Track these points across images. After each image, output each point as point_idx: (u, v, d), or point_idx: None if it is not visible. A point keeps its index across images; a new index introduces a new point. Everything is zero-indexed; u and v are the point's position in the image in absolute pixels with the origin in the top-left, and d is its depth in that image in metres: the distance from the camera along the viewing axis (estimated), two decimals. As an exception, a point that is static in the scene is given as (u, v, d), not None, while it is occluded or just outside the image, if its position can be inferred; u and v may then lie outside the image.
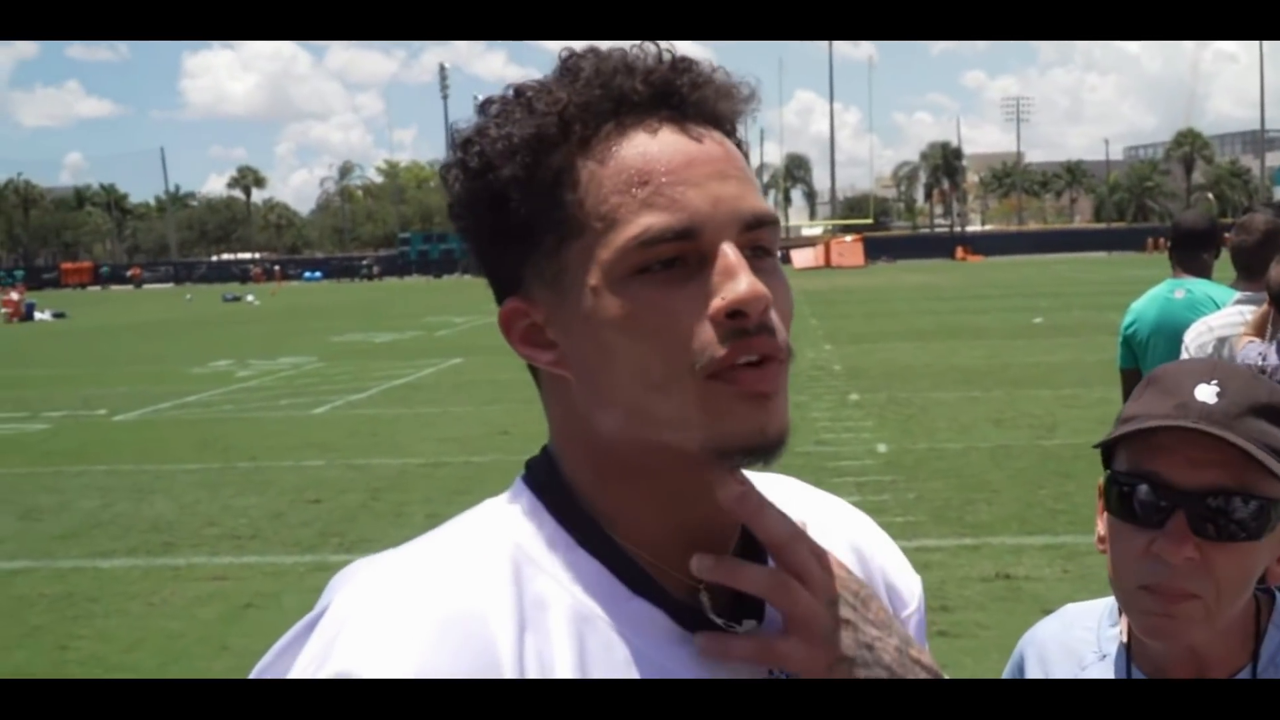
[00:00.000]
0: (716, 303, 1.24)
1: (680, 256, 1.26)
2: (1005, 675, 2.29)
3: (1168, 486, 1.79)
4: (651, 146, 1.28)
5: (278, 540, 11.56)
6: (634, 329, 1.25)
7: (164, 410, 21.62)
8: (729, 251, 1.25)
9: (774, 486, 1.51)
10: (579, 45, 1.35)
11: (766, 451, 1.28)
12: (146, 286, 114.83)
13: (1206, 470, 1.78)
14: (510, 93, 1.33)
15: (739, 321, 1.24)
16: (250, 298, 76.02)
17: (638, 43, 1.33)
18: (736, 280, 1.24)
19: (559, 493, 1.36)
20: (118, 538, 11.90)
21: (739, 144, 1.36)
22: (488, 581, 1.27)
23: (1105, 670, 2.05)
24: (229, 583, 10.14)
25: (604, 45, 1.34)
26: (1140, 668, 2.00)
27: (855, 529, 1.55)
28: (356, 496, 13.35)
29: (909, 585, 1.56)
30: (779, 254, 1.35)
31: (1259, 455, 1.75)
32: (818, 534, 1.40)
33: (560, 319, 1.31)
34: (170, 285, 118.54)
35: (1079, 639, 2.13)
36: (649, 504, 1.34)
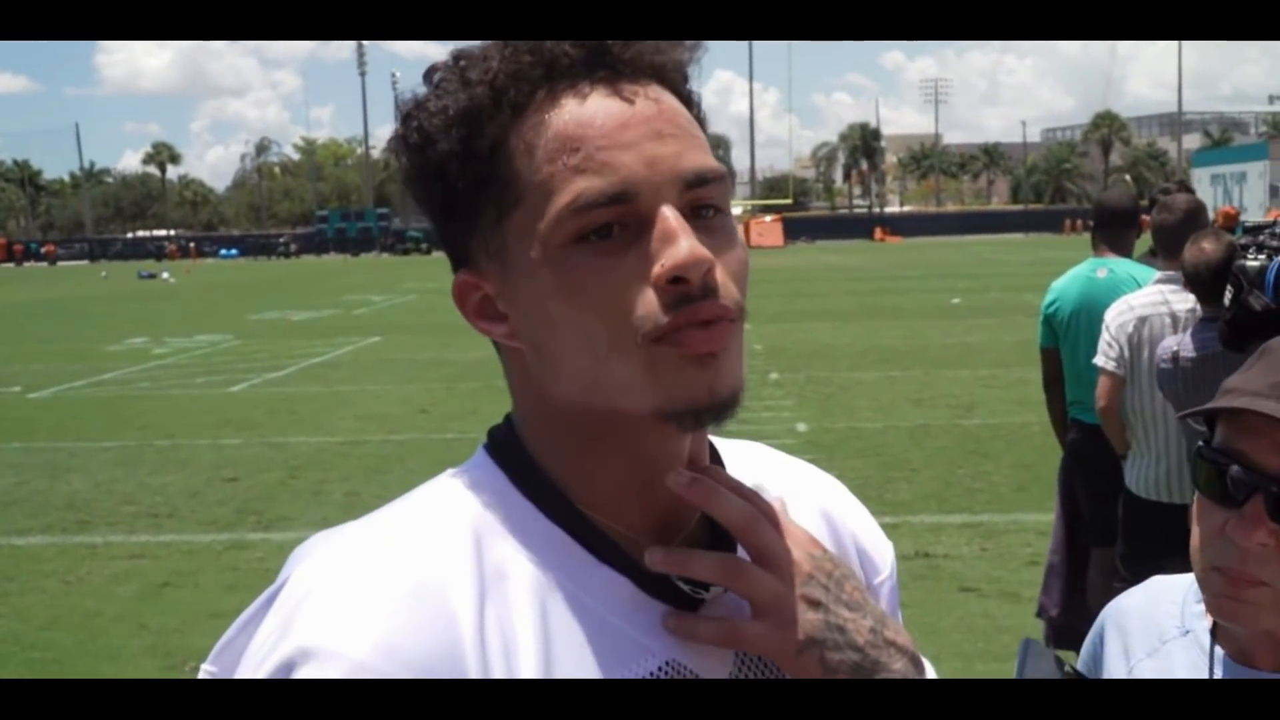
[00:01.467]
0: (656, 269, 1.21)
1: (619, 222, 1.23)
2: (1085, 647, 2.22)
3: (1251, 468, 1.73)
4: (583, 111, 1.25)
5: (195, 518, 11.48)
6: (576, 299, 1.23)
7: (79, 388, 21.41)
8: (668, 214, 1.22)
9: (742, 453, 1.51)
10: None
11: (718, 410, 1.25)
12: (61, 264, 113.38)
13: None
14: (451, 60, 1.31)
15: (681, 287, 1.21)
16: (166, 275, 75.15)
17: None
18: (676, 244, 1.20)
19: (520, 461, 1.35)
20: (33, 515, 11.80)
21: (687, 95, 1.33)
22: (447, 552, 1.25)
23: (1187, 646, 1.99)
24: (146, 561, 10.07)
25: None
26: (1224, 647, 1.94)
27: (826, 495, 1.54)
28: (275, 475, 13.28)
29: (881, 551, 1.55)
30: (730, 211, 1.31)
31: None
32: (786, 500, 1.39)
33: (507, 291, 1.29)
34: (85, 262, 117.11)
35: (1163, 612, 2.06)
36: (611, 471, 1.32)
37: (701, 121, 1.34)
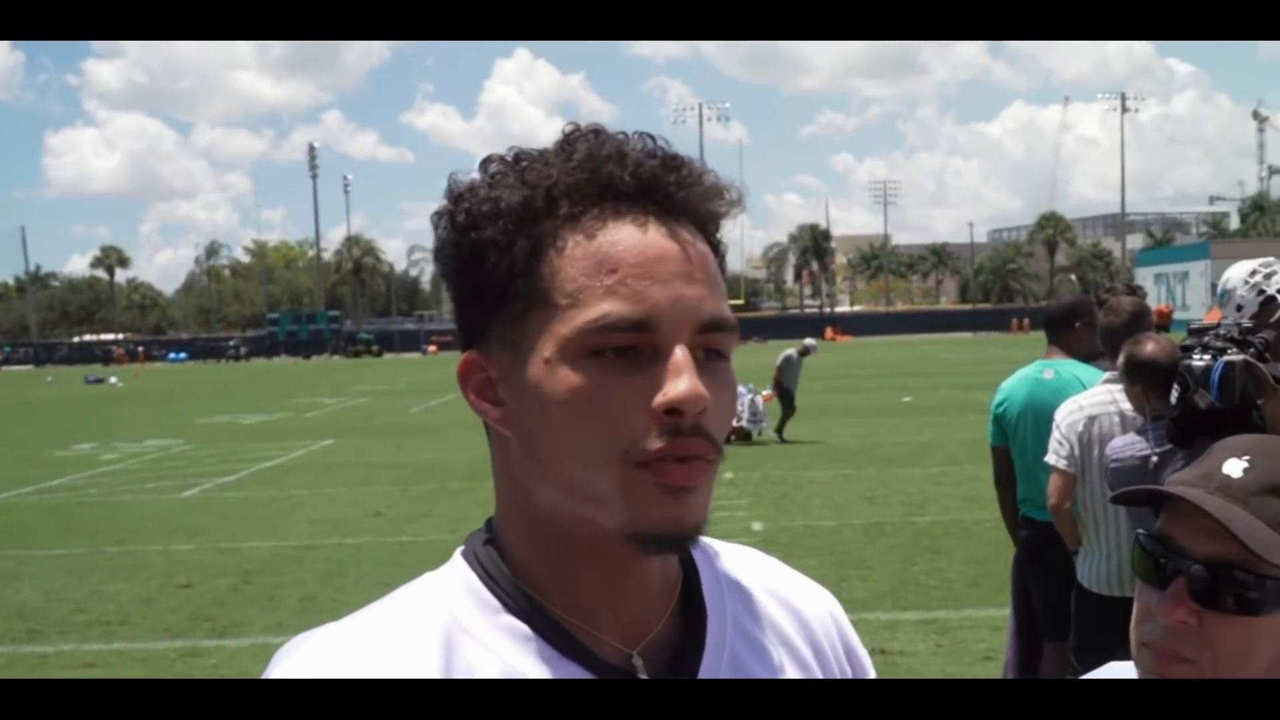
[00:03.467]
0: (658, 398, 1.29)
1: (634, 347, 1.31)
2: None
3: (1176, 551, 1.83)
4: (626, 238, 1.33)
5: (148, 626, 11.35)
6: (577, 406, 1.30)
7: (26, 494, 21.19)
8: (679, 353, 1.30)
9: (732, 554, 1.59)
10: (583, 124, 1.40)
11: (680, 541, 1.34)
12: (6, 368, 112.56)
13: (1215, 541, 1.80)
14: (510, 155, 1.39)
15: (674, 419, 1.29)
16: (114, 379, 74.67)
17: (636, 133, 1.39)
18: (679, 379, 1.29)
19: (492, 561, 1.42)
20: (-19, 625, 11.61)
21: (717, 245, 1.42)
22: (415, 651, 1.33)
23: None
24: (99, 670, 9.93)
25: (605, 128, 1.39)
26: None
27: (810, 599, 1.61)
28: (228, 580, 13.16)
29: (865, 653, 1.64)
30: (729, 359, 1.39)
31: (1243, 536, 1.76)
32: (767, 600, 1.50)
33: (512, 381, 1.36)
34: (31, 367, 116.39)
35: None
36: (580, 571, 1.39)
37: (723, 270, 1.43)
